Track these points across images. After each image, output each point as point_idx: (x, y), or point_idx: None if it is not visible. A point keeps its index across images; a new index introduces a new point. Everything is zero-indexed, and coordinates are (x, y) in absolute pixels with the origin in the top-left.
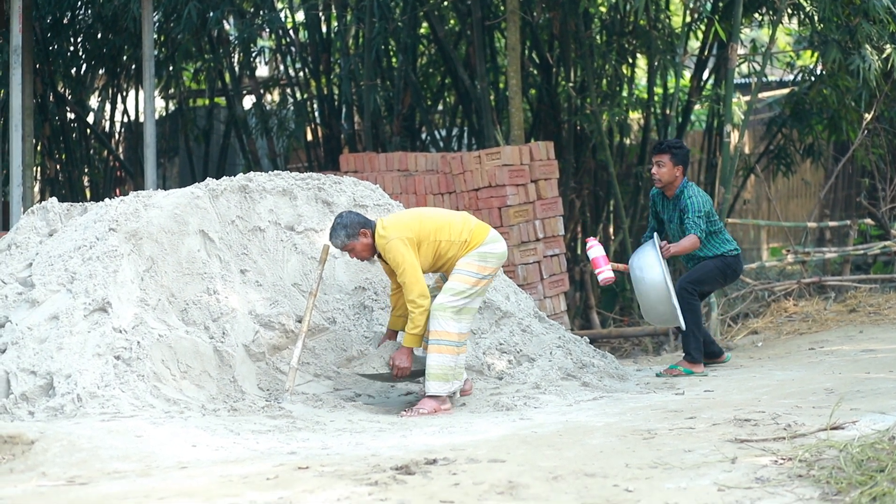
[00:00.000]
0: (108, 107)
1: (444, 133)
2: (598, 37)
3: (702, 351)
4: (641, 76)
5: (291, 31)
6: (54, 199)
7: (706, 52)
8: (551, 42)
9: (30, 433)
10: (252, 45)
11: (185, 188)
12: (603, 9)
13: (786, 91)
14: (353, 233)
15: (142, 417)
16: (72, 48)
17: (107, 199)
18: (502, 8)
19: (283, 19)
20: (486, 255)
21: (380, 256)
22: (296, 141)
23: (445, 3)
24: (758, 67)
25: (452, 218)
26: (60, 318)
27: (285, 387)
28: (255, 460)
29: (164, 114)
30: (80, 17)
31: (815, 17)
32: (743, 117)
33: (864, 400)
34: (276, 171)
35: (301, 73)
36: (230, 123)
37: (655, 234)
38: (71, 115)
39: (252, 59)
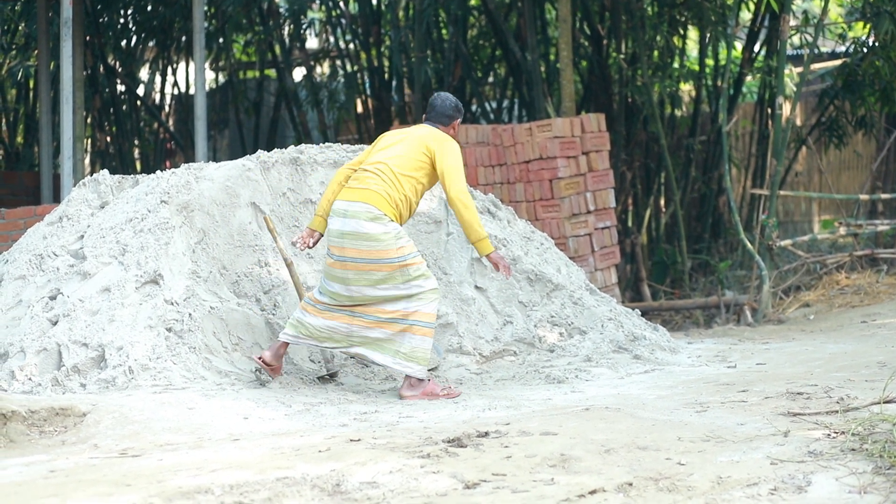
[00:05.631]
0: (158, 79)
1: (494, 105)
2: (649, 8)
3: None
4: (693, 48)
5: (341, 3)
6: (105, 171)
7: (758, 24)
8: (602, 13)
9: (82, 405)
10: (302, 16)
11: (236, 160)
12: None
13: (838, 62)
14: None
15: (193, 390)
16: (122, 20)
17: (158, 172)
18: None
19: None
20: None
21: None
22: (346, 113)
23: None
24: (810, 39)
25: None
26: (112, 291)
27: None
28: (307, 433)
29: (214, 86)
30: None
31: None
32: (795, 89)
33: None
34: (326, 144)
35: (351, 45)
36: (280, 95)
37: None
38: (121, 88)
39: (302, 31)
